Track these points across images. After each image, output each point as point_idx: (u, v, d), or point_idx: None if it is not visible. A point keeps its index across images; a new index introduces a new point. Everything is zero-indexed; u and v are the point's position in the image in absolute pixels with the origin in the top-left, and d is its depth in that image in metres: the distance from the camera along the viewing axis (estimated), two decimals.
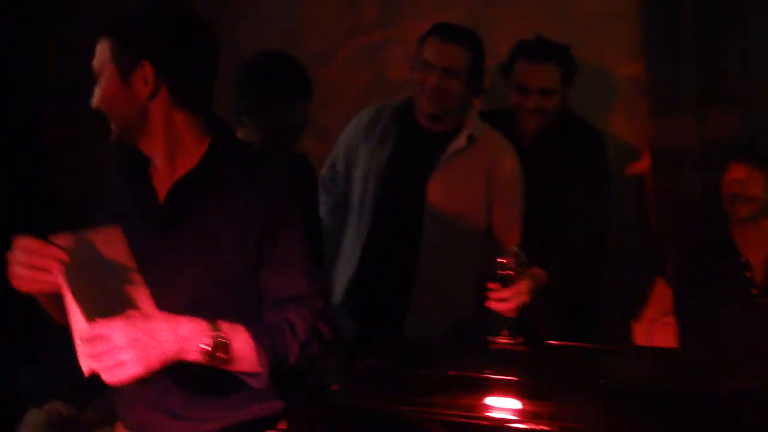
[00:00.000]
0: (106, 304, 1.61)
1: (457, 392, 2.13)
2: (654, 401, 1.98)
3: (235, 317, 1.65)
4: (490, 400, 2.13)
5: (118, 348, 1.51)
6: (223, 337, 1.59)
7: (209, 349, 1.58)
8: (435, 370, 2.24)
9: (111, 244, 1.66)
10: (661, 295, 3.36)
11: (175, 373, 1.64)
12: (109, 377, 1.52)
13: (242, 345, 1.62)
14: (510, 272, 2.40)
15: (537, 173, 2.90)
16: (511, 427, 2.07)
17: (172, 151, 1.73)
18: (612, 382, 2.07)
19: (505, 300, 2.43)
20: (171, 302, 1.65)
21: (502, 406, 2.11)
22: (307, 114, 2.64)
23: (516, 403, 2.11)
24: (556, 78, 2.97)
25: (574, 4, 3.47)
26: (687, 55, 3.28)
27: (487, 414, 2.10)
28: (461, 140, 2.81)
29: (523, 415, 2.08)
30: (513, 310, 2.43)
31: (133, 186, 1.78)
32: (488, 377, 2.18)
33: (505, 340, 2.46)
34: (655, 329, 3.38)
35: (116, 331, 1.52)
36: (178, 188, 1.73)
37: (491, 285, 2.42)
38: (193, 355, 1.57)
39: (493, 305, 2.44)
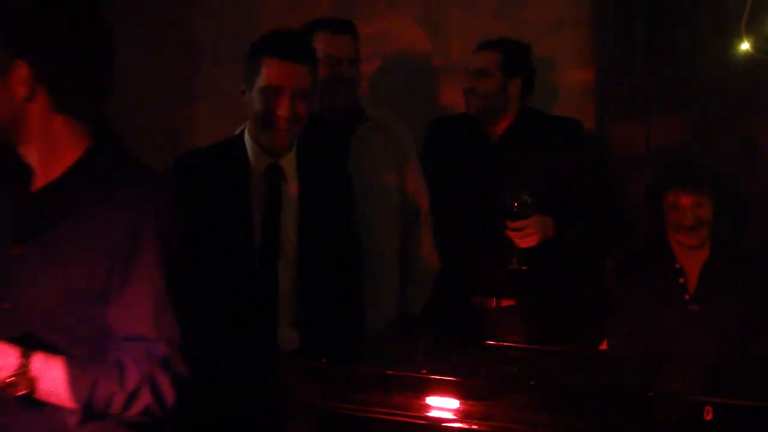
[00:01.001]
0: None
1: (394, 391, 2.14)
2: (582, 401, 2.01)
3: (78, 346, 1.54)
4: (427, 400, 2.14)
5: None
6: (26, 371, 1.48)
7: (5, 382, 1.48)
8: (372, 369, 2.24)
9: None
10: None
11: None
12: None
13: (53, 382, 1.50)
14: (522, 210, 2.83)
15: (510, 168, 2.99)
16: (447, 427, 2.08)
17: (46, 158, 1.60)
18: (542, 382, 2.09)
19: (519, 229, 2.83)
20: (17, 320, 1.55)
21: (439, 405, 2.12)
22: None
23: (452, 403, 2.12)
24: (492, 61, 3.05)
25: (526, 9, 3.50)
26: (638, 61, 3.33)
27: (424, 413, 2.11)
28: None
29: (457, 414, 2.09)
30: (524, 240, 2.85)
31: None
32: (425, 377, 2.19)
33: (515, 266, 2.88)
34: None
35: None
36: (33, 200, 1.59)
37: (508, 222, 2.85)
38: None
39: (510, 234, 2.86)
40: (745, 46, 2.80)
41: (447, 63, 3.60)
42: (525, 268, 2.88)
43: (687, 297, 2.92)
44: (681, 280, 2.93)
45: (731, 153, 3.21)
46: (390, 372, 2.18)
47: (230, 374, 2.36)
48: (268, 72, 2.35)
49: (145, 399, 1.54)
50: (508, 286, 3.02)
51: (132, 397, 1.53)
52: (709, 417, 1.86)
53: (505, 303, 3.06)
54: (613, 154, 3.36)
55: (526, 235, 2.86)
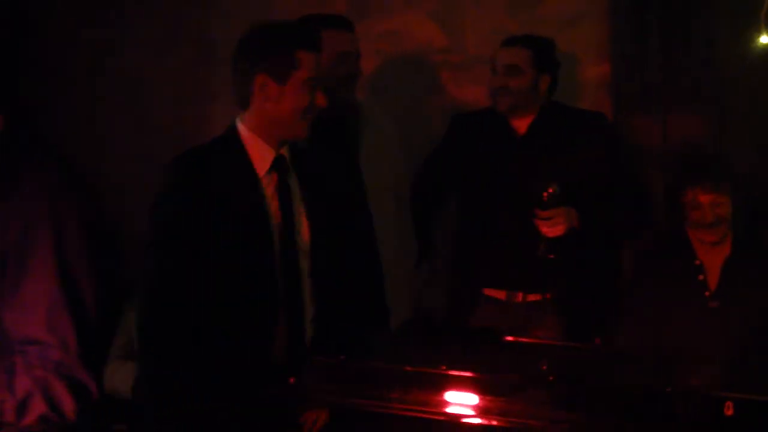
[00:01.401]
0: None
1: (412, 387, 2.14)
2: (600, 397, 2.01)
3: None
4: (446, 395, 2.14)
5: None
6: None
7: None
8: (391, 365, 2.25)
9: None
10: None
11: None
12: None
13: None
14: (552, 200, 2.89)
15: (536, 161, 3.02)
16: (466, 423, 2.09)
17: None
18: (561, 378, 2.09)
19: (548, 218, 2.88)
20: None
21: (457, 401, 2.13)
22: None
23: (471, 399, 2.13)
24: (523, 57, 3.07)
25: (541, 4, 3.50)
26: (653, 56, 3.32)
27: (443, 409, 2.12)
28: None
29: (476, 410, 2.09)
30: (552, 228, 2.89)
31: None
32: (443, 373, 2.19)
33: (542, 254, 2.92)
34: None
35: None
36: None
37: (537, 211, 2.91)
38: None
39: (538, 223, 2.91)
40: (764, 39, 2.77)
41: (463, 59, 3.59)
42: (552, 256, 2.91)
43: (707, 294, 2.91)
44: (701, 277, 2.92)
45: (749, 148, 3.19)
46: (409, 368, 2.20)
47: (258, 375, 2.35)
48: (309, 64, 2.37)
49: (38, 407, 1.45)
50: (535, 277, 3.03)
51: (24, 405, 1.45)
52: (729, 412, 1.86)
53: (531, 298, 3.07)
54: (629, 147, 3.35)
55: (554, 224, 2.90)
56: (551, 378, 2.07)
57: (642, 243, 3.15)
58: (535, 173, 2.97)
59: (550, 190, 2.88)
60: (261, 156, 2.41)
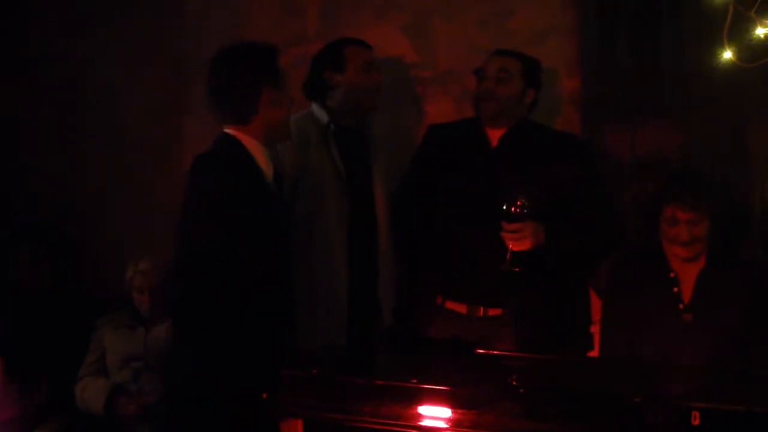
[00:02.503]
0: None
1: (384, 400, 2.15)
2: (571, 408, 2.03)
3: None
4: (419, 409, 2.15)
5: None
6: None
7: None
8: (363, 378, 2.26)
9: None
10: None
11: None
12: None
13: None
14: (518, 214, 2.88)
15: (505, 175, 3.03)
16: None
17: None
18: (531, 389, 2.11)
19: (514, 231, 2.87)
20: None
21: (430, 414, 2.13)
22: None
23: (443, 412, 2.13)
24: (515, 67, 3.12)
25: (511, 18, 3.52)
26: (623, 70, 3.35)
27: (416, 422, 2.12)
28: None
29: (449, 423, 2.10)
30: (518, 242, 2.90)
31: None
32: (416, 386, 2.20)
33: (506, 267, 2.91)
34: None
35: None
36: None
37: (503, 223, 2.89)
38: None
39: (504, 236, 2.90)
40: (727, 54, 2.82)
41: (433, 73, 3.62)
42: (517, 270, 2.91)
43: (681, 306, 2.92)
44: (675, 289, 2.93)
45: (716, 161, 3.22)
46: (380, 382, 2.20)
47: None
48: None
49: None
50: (496, 291, 3.03)
51: None
52: (696, 422, 1.88)
53: (492, 312, 3.06)
54: (599, 168, 3.37)
55: (520, 238, 2.90)
56: (522, 390, 2.09)
57: (617, 254, 3.16)
58: (503, 186, 2.98)
59: (519, 203, 2.88)
60: (266, 162, 2.71)
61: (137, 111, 3.97)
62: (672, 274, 2.94)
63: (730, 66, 2.84)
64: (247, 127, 2.67)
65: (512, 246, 2.91)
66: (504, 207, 2.89)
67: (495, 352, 2.71)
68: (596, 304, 3.31)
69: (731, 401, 1.96)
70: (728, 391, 2.29)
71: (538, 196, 2.92)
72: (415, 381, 2.19)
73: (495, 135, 3.15)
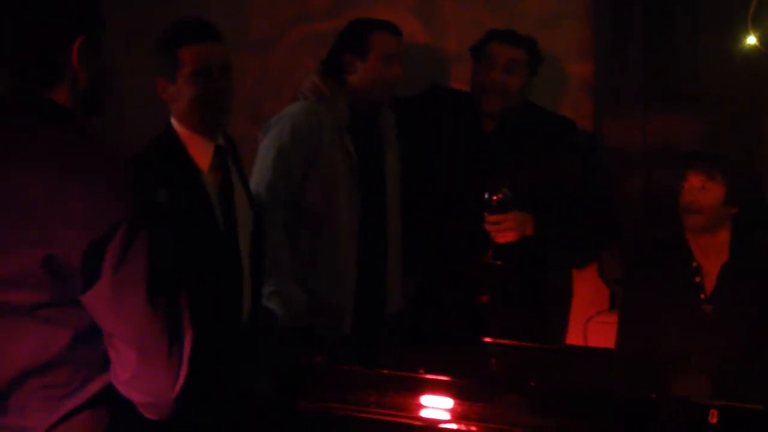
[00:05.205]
0: None
1: (389, 390, 2.11)
2: (583, 403, 1.98)
3: None
4: (422, 400, 2.11)
5: None
6: None
7: None
8: (368, 368, 2.22)
9: None
10: (596, 293, 3.36)
11: None
12: None
13: None
14: (501, 203, 2.79)
15: (502, 161, 2.96)
16: (443, 428, 2.06)
17: None
18: (543, 383, 2.07)
19: (497, 223, 2.78)
20: None
21: (434, 405, 2.10)
22: None
23: (448, 403, 2.09)
24: (523, 58, 3.02)
25: (523, 2, 3.45)
26: (636, 54, 3.29)
27: (419, 414, 2.09)
28: None
29: (454, 415, 2.06)
30: (501, 234, 2.80)
31: None
32: (421, 377, 2.16)
33: (489, 260, 2.82)
34: (590, 329, 3.38)
35: None
36: None
37: (486, 215, 2.80)
38: None
39: (487, 227, 2.80)
40: (751, 40, 2.73)
41: (443, 55, 3.55)
42: (500, 263, 2.82)
43: (702, 296, 2.85)
44: (697, 279, 2.87)
45: (732, 149, 3.16)
46: (386, 372, 2.16)
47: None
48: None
49: None
50: (481, 281, 2.95)
51: None
52: (713, 420, 1.83)
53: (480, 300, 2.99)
54: (610, 148, 3.31)
55: (503, 230, 2.81)
56: (533, 383, 2.04)
57: (637, 242, 3.09)
58: (497, 172, 2.90)
59: (500, 195, 2.78)
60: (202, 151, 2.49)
61: (141, 105, 3.86)
62: (695, 264, 2.88)
63: (754, 51, 2.75)
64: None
65: (496, 238, 2.82)
66: (486, 197, 2.79)
67: (503, 341, 2.64)
68: (602, 294, 3.24)
69: (750, 399, 1.92)
70: (746, 388, 2.24)
71: (530, 185, 2.85)
72: (421, 371, 2.14)
73: (491, 121, 3.07)
